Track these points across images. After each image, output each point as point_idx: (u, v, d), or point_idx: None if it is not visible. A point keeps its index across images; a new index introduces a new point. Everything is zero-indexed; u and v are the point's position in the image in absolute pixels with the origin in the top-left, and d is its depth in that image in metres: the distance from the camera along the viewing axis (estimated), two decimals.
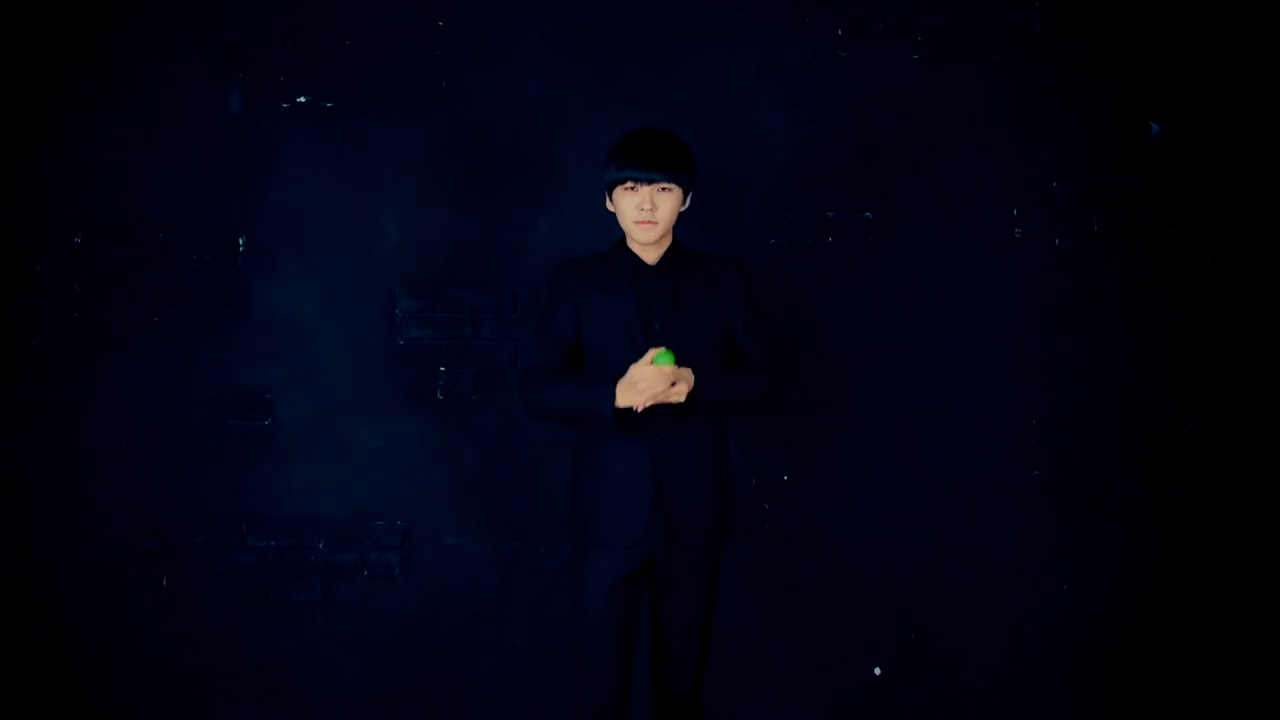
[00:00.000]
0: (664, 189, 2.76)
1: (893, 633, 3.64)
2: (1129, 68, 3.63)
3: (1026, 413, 3.64)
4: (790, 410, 3.58)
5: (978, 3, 3.61)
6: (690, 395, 2.68)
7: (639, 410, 2.66)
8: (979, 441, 3.64)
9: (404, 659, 3.59)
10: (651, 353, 2.64)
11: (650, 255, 2.83)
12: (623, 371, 2.69)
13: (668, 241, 2.84)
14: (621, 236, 2.88)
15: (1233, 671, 3.65)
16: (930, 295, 3.63)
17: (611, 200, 2.81)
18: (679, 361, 2.71)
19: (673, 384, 2.64)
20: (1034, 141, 3.63)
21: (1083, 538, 3.64)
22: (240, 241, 3.55)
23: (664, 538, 2.79)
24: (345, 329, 3.57)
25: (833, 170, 3.59)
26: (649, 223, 2.76)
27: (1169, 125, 3.63)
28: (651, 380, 2.60)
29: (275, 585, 3.56)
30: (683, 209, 2.83)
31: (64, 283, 3.51)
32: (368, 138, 3.56)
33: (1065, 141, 3.63)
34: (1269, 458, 3.64)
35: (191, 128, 3.53)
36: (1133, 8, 3.63)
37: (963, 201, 3.63)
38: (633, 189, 2.75)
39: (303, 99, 3.55)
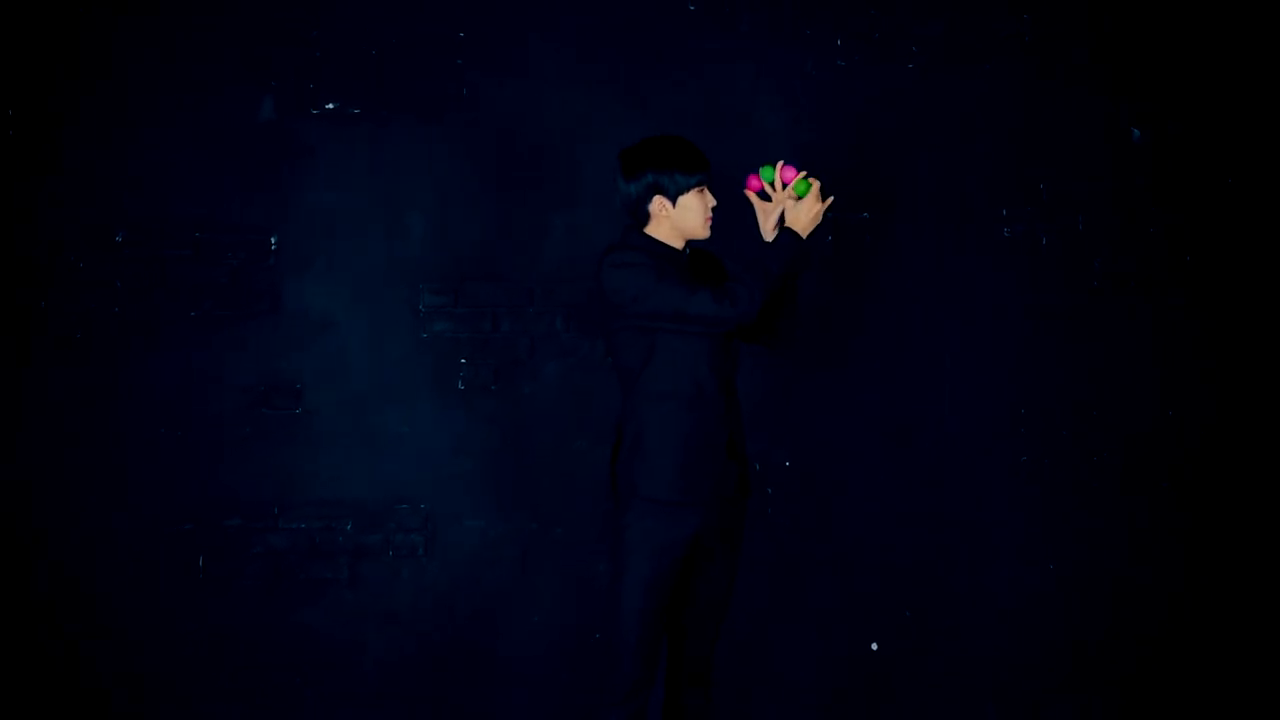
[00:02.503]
0: None
1: (888, 610, 3.69)
2: (1112, 77, 3.68)
3: (1020, 409, 3.69)
4: (791, 399, 3.68)
5: (970, 14, 3.68)
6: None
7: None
8: (974, 439, 3.69)
9: (428, 634, 3.65)
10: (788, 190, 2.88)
11: (680, 246, 2.90)
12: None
13: None
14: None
15: (1231, 671, 3.66)
16: (926, 294, 3.69)
17: (669, 204, 2.80)
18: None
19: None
20: (1023, 145, 3.69)
21: (1078, 534, 3.68)
22: (272, 240, 3.61)
23: (737, 490, 2.84)
24: (371, 323, 3.63)
25: (832, 173, 3.41)
26: (710, 219, 2.87)
27: (1150, 130, 3.69)
28: (813, 206, 2.84)
29: (305, 565, 3.62)
30: None
31: (106, 279, 3.57)
32: (392, 142, 3.62)
33: (1052, 145, 3.69)
34: (1265, 453, 3.67)
35: (226, 132, 3.59)
36: (1116, 19, 3.68)
37: (956, 203, 3.69)
38: (703, 191, 2.84)
39: (331, 105, 3.61)
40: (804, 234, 2.84)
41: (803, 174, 2.88)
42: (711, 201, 2.88)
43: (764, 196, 2.98)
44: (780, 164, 2.91)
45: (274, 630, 3.64)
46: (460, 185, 3.66)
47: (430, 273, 3.66)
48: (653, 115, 3.58)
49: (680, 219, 2.84)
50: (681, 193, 2.81)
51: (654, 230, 2.87)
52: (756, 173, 2.94)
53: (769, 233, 2.93)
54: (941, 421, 3.71)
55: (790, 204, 2.87)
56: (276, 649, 3.64)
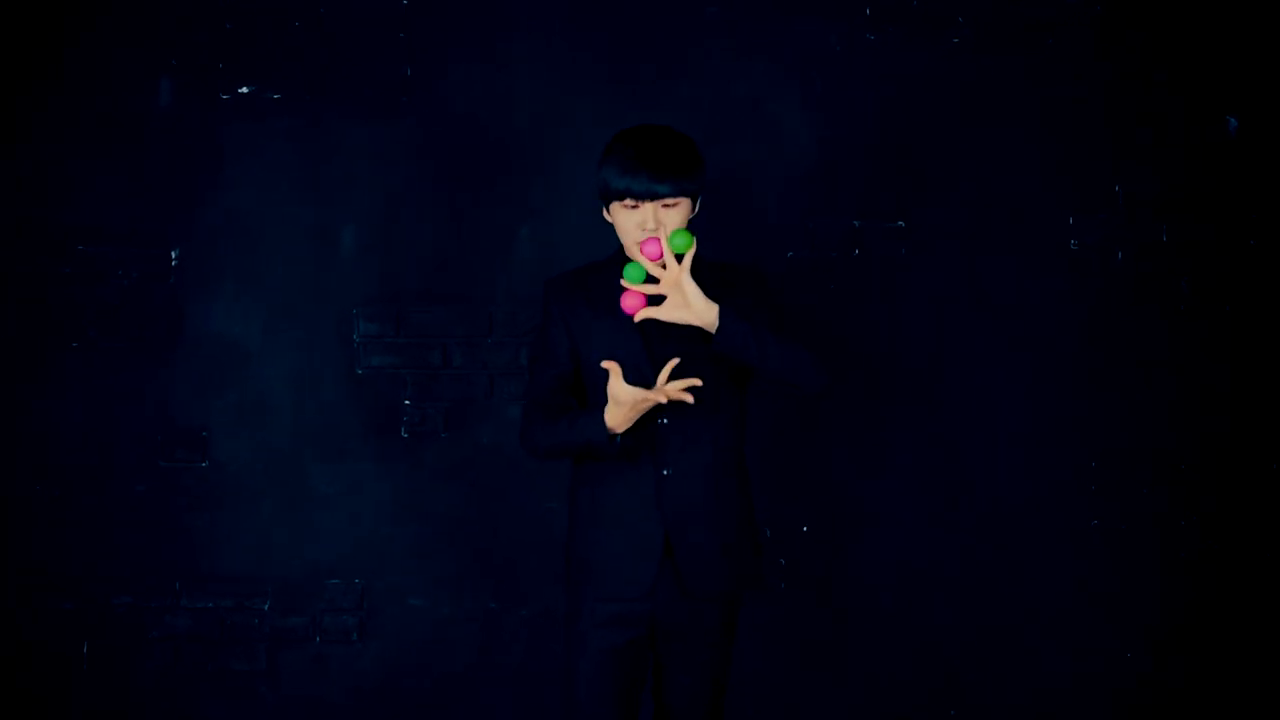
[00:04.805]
0: (668, 204, 2.46)
1: (929, 710, 3.42)
2: (1203, 54, 3.50)
3: (1090, 462, 3.51)
4: (809, 450, 3.42)
5: None
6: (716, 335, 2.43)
7: (624, 427, 2.43)
8: (1028, 489, 3.50)
9: None
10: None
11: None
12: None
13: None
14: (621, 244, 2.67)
15: None
16: (972, 317, 3.50)
17: (609, 212, 2.55)
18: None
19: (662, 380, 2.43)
20: (1093, 139, 3.50)
21: (1162, 619, 3.47)
22: (172, 255, 3.42)
23: (675, 589, 2.59)
24: (295, 356, 3.44)
25: (860, 172, 3.46)
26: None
27: (1249, 120, 3.50)
28: (632, 393, 2.37)
29: (213, 653, 3.43)
30: (692, 216, 2.57)
31: None
32: (321, 135, 3.44)
33: (1130, 139, 3.50)
34: None
35: (115, 123, 3.40)
36: None
37: (1011, 208, 3.51)
38: (633, 206, 2.46)
39: (245, 90, 3.44)
40: (619, 427, 2.42)
41: (669, 232, 2.44)
42: (649, 224, 2.46)
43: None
44: (639, 247, 2.44)
45: None
46: (405, 188, 3.46)
47: (367, 294, 3.46)
48: (641, 103, 3.39)
49: (617, 231, 2.56)
50: (611, 200, 2.51)
51: None
52: (627, 289, 2.45)
53: (710, 321, 2.45)
54: (993, 476, 3.48)
55: (615, 380, 2.39)
56: None
